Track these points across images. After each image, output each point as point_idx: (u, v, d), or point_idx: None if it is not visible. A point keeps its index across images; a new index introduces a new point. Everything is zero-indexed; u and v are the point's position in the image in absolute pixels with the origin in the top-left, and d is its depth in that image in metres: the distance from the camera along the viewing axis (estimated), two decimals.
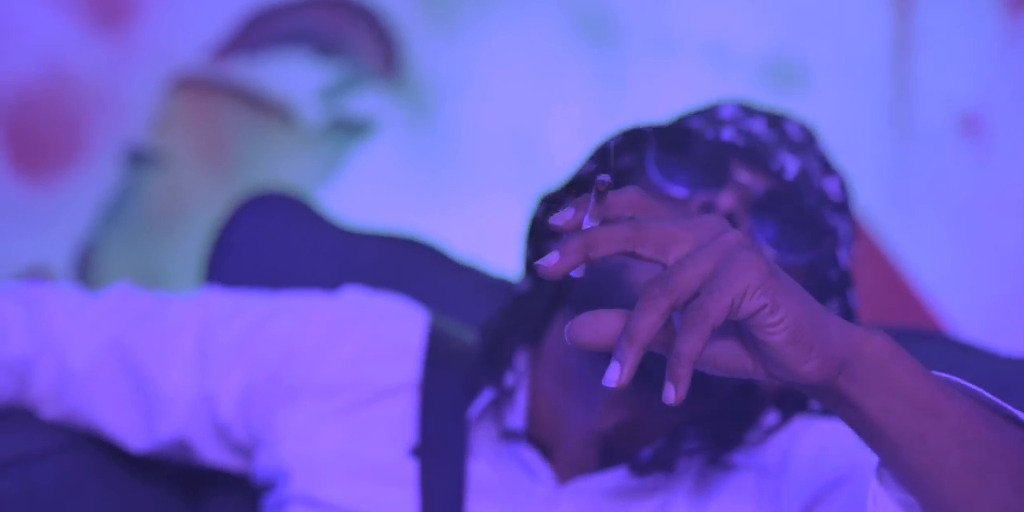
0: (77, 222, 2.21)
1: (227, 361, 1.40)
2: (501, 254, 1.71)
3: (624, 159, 1.35)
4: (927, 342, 1.48)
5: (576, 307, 1.29)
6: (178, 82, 2.20)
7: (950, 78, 2.11)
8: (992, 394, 0.98)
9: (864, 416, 0.92)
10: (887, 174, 2.14)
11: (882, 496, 0.97)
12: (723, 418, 1.30)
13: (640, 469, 1.27)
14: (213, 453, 1.42)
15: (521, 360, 1.35)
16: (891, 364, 0.91)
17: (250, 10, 2.18)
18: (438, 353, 1.38)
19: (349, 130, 2.20)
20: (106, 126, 2.19)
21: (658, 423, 1.30)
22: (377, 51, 2.18)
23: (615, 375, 0.87)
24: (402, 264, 1.62)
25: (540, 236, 1.38)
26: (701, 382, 1.01)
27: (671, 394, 0.87)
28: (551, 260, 0.88)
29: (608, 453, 1.30)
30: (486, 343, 1.37)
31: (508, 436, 1.31)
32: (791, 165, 1.29)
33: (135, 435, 1.43)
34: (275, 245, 1.62)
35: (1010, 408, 0.97)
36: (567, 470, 1.31)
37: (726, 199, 1.27)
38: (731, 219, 1.26)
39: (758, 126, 1.32)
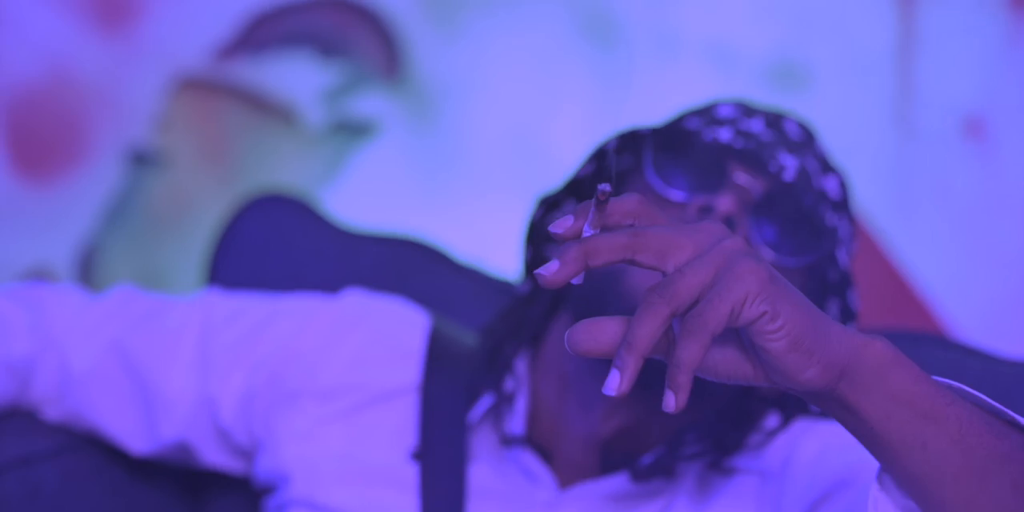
0: (79, 223, 2.21)
1: (228, 364, 1.40)
2: (503, 256, 1.71)
3: (622, 162, 1.35)
4: (929, 345, 1.48)
5: (575, 311, 1.29)
6: (181, 83, 2.19)
7: (953, 80, 2.11)
8: (994, 397, 0.98)
9: (865, 422, 0.92)
10: (890, 176, 2.13)
11: (883, 501, 0.97)
12: (724, 422, 1.30)
13: (641, 475, 1.27)
14: (214, 456, 1.42)
15: (521, 364, 1.35)
16: (892, 370, 0.91)
17: (253, 11, 2.18)
18: (438, 356, 1.38)
19: (351, 131, 2.20)
20: (109, 127, 2.19)
21: (658, 428, 1.30)
22: (380, 53, 2.18)
23: (615, 383, 0.86)
24: (404, 265, 1.61)
25: (539, 238, 1.38)
26: (702, 387, 1.01)
27: (671, 402, 0.87)
28: (551, 269, 0.87)
29: (609, 457, 1.30)
30: (486, 347, 1.36)
31: (507, 442, 1.31)
32: (790, 165, 1.29)
33: (136, 438, 1.42)
34: (277, 246, 1.62)
35: (1011, 413, 0.97)
36: (568, 474, 1.31)
37: (724, 202, 1.27)
38: (729, 222, 1.26)
39: (756, 126, 1.32)
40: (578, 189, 1.37)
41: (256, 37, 2.18)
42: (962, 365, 1.43)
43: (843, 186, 1.34)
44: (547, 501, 1.30)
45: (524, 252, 1.39)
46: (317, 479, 1.34)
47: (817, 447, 1.29)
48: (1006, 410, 0.96)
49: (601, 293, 1.22)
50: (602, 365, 1.23)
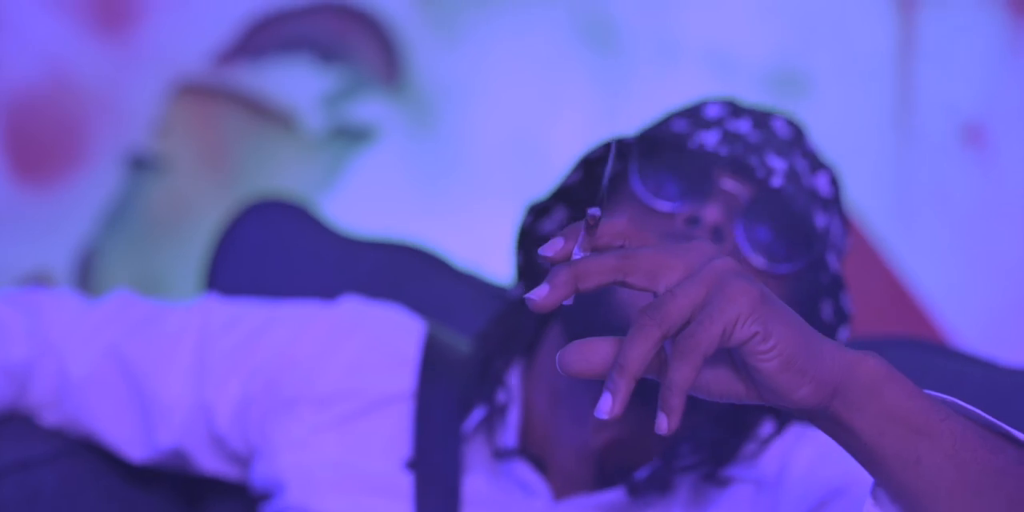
0: (78, 227, 2.21)
1: (224, 370, 1.40)
2: (502, 262, 1.71)
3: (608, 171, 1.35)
4: (928, 352, 1.47)
5: (566, 325, 1.28)
6: (180, 88, 2.19)
7: (953, 87, 2.10)
8: (994, 405, 0.98)
9: (859, 439, 0.92)
10: (889, 182, 2.13)
11: None
12: (719, 432, 1.29)
13: (637, 490, 1.27)
14: (210, 463, 1.42)
15: (514, 375, 1.35)
16: (885, 386, 0.90)
17: (252, 16, 2.18)
18: (434, 363, 1.38)
19: (351, 137, 2.19)
20: (108, 132, 2.19)
21: (653, 438, 1.29)
22: (379, 58, 2.18)
23: (607, 407, 0.86)
24: (403, 271, 1.61)
25: (529, 244, 1.38)
26: (695, 401, 1.01)
27: (664, 425, 0.86)
28: (540, 293, 0.87)
29: (604, 468, 1.30)
30: (478, 357, 1.36)
31: (500, 455, 1.31)
32: (778, 168, 1.28)
33: (134, 445, 1.42)
34: (276, 251, 1.62)
35: (1006, 427, 0.96)
36: (563, 485, 1.31)
37: (711, 212, 1.26)
38: (718, 232, 1.26)
39: (744, 126, 1.31)
40: (566, 196, 1.36)
41: (255, 42, 2.18)
42: (962, 373, 1.43)
43: (834, 182, 1.33)
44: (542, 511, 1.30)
45: (515, 257, 1.39)
46: (312, 487, 1.34)
47: (812, 454, 1.29)
48: (1001, 424, 0.96)
49: (593, 306, 1.22)
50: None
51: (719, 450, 1.28)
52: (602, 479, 1.30)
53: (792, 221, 1.27)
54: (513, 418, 1.32)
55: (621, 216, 0.91)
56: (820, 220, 1.30)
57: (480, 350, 1.37)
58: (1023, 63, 2.09)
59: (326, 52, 2.18)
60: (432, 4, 2.16)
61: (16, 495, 1.41)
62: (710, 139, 1.28)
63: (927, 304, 2.13)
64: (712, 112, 1.33)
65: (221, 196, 2.19)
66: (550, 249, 0.89)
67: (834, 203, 1.32)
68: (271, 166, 2.20)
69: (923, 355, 1.46)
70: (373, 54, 2.18)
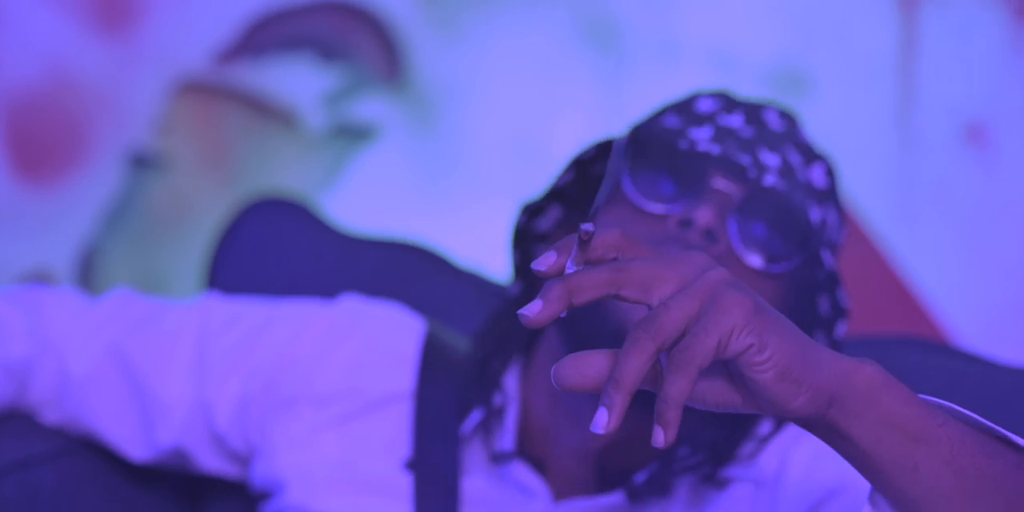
0: (79, 226, 2.21)
1: (224, 369, 1.40)
2: (503, 260, 1.71)
3: (600, 172, 1.34)
4: (930, 351, 1.48)
5: (562, 329, 1.28)
6: (181, 86, 2.19)
7: (955, 86, 2.10)
8: (995, 405, 0.98)
9: (856, 446, 0.91)
10: (891, 182, 2.13)
11: None
12: (717, 433, 1.29)
13: (636, 494, 1.26)
14: (211, 462, 1.42)
15: (511, 377, 1.35)
16: (881, 394, 0.90)
17: (254, 15, 2.18)
18: (433, 363, 1.37)
19: (352, 135, 2.19)
20: (109, 130, 2.19)
21: (650, 442, 1.29)
22: (380, 56, 2.17)
23: (603, 422, 0.86)
24: (404, 270, 1.61)
25: (524, 242, 1.37)
26: (691, 409, 1.00)
27: (660, 438, 0.86)
28: (533, 309, 0.87)
29: (603, 470, 1.30)
30: (476, 357, 1.36)
31: (497, 459, 1.31)
32: (771, 164, 1.27)
33: (134, 444, 1.42)
34: (277, 250, 1.62)
35: (1004, 431, 0.96)
36: (562, 486, 1.31)
37: (703, 214, 1.25)
38: (711, 234, 1.25)
39: (736, 121, 1.30)
40: (559, 196, 1.36)
41: (257, 41, 2.18)
42: (963, 372, 1.43)
43: (829, 173, 1.32)
44: None
45: (511, 255, 1.38)
46: (312, 487, 1.34)
47: (810, 453, 1.28)
48: (998, 428, 0.96)
49: (589, 315, 1.22)
50: None
51: (718, 451, 1.28)
52: (601, 480, 1.30)
53: (787, 219, 1.27)
54: (510, 421, 1.32)
55: (613, 229, 0.91)
56: (815, 214, 1.29)
57: (477, 350, 1.36)
58: None
59: (327, 51, 2.18)
60: (434, 3, 2.16)
61: (16, 494, 1.41)
62: (702, 136, 1.28)
63: (929, 303, 2.13)
64: (704, 106, 1.32)
65: (222, 194, 2.19)
66: (543, 264, 0.89)
67: (830, 194, 1.31)
68: (272, 164, 2.20)
69: (924, 354, 1.46)
70: (374, 53, 2.17)
